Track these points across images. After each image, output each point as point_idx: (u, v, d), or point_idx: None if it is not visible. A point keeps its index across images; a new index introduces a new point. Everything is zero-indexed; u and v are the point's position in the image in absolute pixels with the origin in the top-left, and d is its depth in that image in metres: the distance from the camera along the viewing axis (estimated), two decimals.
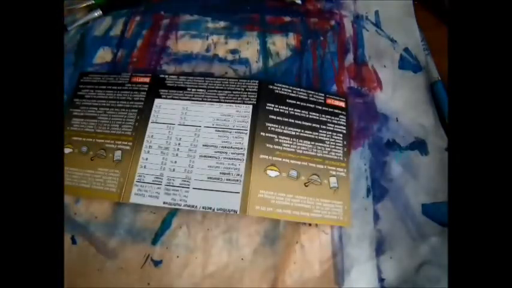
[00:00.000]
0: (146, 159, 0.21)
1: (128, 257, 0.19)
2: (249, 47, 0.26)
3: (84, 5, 0.27)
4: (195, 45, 0.26)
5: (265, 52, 0.26)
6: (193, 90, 0.23)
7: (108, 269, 0.18)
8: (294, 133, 0.21)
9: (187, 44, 0.26)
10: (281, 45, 0.26)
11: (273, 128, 0.21)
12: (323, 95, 0.23)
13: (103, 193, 0.20)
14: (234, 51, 0.26)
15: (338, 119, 0.22)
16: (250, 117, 0.22)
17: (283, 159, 0.21)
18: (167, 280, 0.18)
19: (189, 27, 0.27)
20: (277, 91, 0.23)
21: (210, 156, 0.21)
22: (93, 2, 0.27)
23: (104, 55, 0.25)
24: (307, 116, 0.22)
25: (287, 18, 0.27)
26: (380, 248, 0.19)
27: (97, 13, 0.27)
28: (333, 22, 0.27)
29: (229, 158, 0.20)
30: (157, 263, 0.19)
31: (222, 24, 0.27)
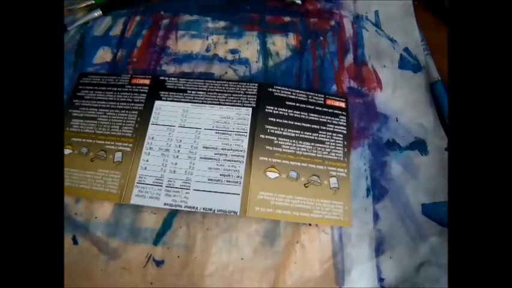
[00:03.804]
0: (147, 160, 0.21)
1: (130, 257, 0.19)
2: (249, 47, 0.26)
3: (84, 5, 0.27)
4: (195, 45, 0.26)
5: (265, 52, 0.26)
6: (193, 92, 0.23)
7: (111, 269, 0.18)
8: (293, 135, 0.21)
9: (187, 44, 0.26)
10: (281, 45, 0.26)
11: (272, 130, 0.21)
12: (323, 96, 0.23)
13: (103, 194, 0.20)
14: (234, 51, 0.26)
15: (338, 119, 0.22)
16: (249, 119, 0.22)
17: (283, 161, 0.21)
18: (169, 280, 0.18)
19: (189, 27, 0.27)
20: (276, 93, 0.23)
21: (210, 158, 0.21)
22: (93, 2, 0.27)
23: (103, 55, 0.25)
24: (307, 117, 0.22)
25: (287, 18, 0.27)
26: (380, 247, 0.19)
27: (97, 13, 0.27)
28: (332, 22, 0.27)
29: (229, 160, 0.21)
30: (159, 263, 0.19)
31: (222, 24, 0.27)
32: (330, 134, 0.22)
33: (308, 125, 0.22)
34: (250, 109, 0.22)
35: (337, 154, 0.21)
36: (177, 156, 0.21)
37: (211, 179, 0.20)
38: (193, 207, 0.19)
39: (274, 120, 0.22)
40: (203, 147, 0.21)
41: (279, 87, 0.23)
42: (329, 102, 0.23)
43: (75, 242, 0.19)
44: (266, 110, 0.22)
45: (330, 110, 0.23)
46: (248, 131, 0.21)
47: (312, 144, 0.21)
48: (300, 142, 0.21)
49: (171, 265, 0.19)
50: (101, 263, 0.19)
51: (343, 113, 0.23)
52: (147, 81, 0.23)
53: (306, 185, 0.20)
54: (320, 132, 0.22)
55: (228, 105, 0.22)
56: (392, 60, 0.25)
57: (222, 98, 0.23)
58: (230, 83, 0.23)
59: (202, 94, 0.23)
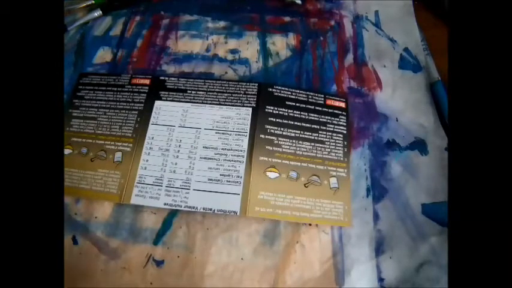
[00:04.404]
0: (147, 160, 0.21)
1: (130, 257, 0.19)
2: (249, 47, 0.26)
3: (84, 5, 0.27)
4: (195, 45, 0.26)
5: (265, 52, 0.26)
6: (193, 92, 0.23)
7: (111, 269, 0.18)
8: (293, 135, 0.21)
9: (187, 44, 0.26)
10: (281, 45, 0.26)
11: (272, 130, 0.21)
12: (322, 96, 0.23)
13: (103, 194, 0.20)
14: (234, 51, 0.26)
15: (338, 119, 0.22)
16: (249, 119, 0.22)
17: (283, 161, 0.21)
18: (169, 280, 0.18)
19: (189, 27, 0.27)
20: (276, 93, 0.23)
21: (210, 158, 0.21)
22: (93, 2, 0.27)
23: (103, 55, 0.25)
24: (307, 117, 0.22)
25: (287, 18, 0.27)
26: (379, 248, 0.19)
27: (97, 13, 0.27)
28: (332, 22, 0.27)
29: (229, 160, 0.21)
30: (159, 263, 0.19)
31: (222, 24, 0.27)
32: (330, 134, 0.22)
33: (308, 125, 0.22)
34: (250, 109, 0.22)
35: (337, 154, 0.21)
36: (177, 156, 0.21)
37: (211, 179, 0.20)
38: (193, 207, 0.19)
39: (274, 120, 0.22)
40: (203, 147, 0.21)
41: (279, 87, 0.23)
42: (329, 102, 0.23)
43: (75, 242, 0.19)
44: (266, 110, 0.22)
45: (330, 110, 0.23)
46: (248, 131, 0.21)
47: (312, 144, 0.21)
48: (300, 142, 0.21)
49: (171, 265, 0.19)
50: (101, 263, 0.19)
51: (343, 113, 0.23)
52: (147, 81, 0.23)
53: (306, 185, 0.20)
54: (320, 132, 0.22)
55: (228, 105, 0.22)
56: (393, 60, 0.25)
57: (222, 98, 0.23)
58: (230, 83, 0.23)
59: (202, 94, 0.23)
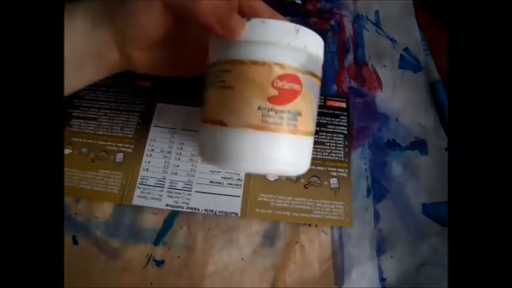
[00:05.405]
0: (149, 162, 0.21)
1: (130, 257, 0.19)
2: None
3: None
4: None
5: None
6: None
7: (111, 269, 0.18)
8: None
9: None
10: None
11: None
12: (322, 97, 0.23)
13: (104, 195, 0.20)
14: None
15: (339, 120, 0.22)
16: None
17: None
18: (169, 280, 0.18)
19: None
20: None
21: None
22: None
23: None
24: None
25: (287, 18, 0.27)
26: (380, 247, 0.19)
27: None
28: (333, 22, 0.27)
29: None
30: (159, 263, 0.19)
31: None
32: (330, 134, 0.22)
33: None
34: None
35: (337, 154, 0.21)
36: (179, 159, 0.21)
37: (212, 181, 0.20)
38: (195, 209, 0.20)
39: None
40: None
41: None
42: (329, 103, 0.23)
43: (75, 242, 0.19)
44: None
45: (330, 111, 0.23)
46: None
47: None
48: None
49: (172, 265, 0.19)
50: (101, 263, 0.19)
51: (344, 113, 0.23)
52: (148, 83, 0.23)
53: (306, 186, 0.20)
54: (320, 133, 0.22)
55: None
56: (393, 60, 0.25)
57: None
58: None
59: None
